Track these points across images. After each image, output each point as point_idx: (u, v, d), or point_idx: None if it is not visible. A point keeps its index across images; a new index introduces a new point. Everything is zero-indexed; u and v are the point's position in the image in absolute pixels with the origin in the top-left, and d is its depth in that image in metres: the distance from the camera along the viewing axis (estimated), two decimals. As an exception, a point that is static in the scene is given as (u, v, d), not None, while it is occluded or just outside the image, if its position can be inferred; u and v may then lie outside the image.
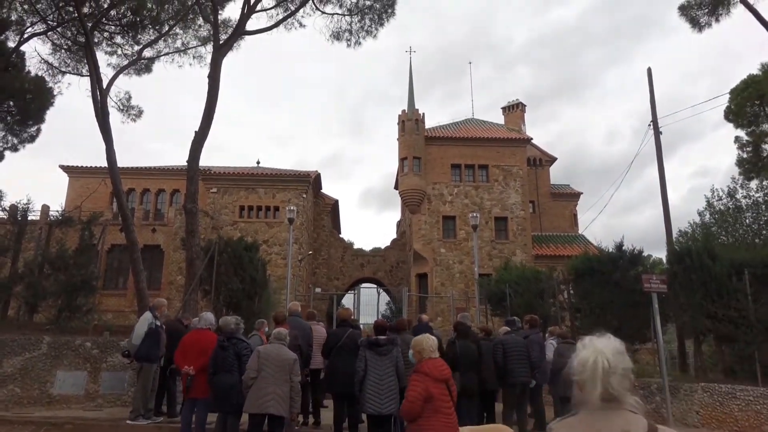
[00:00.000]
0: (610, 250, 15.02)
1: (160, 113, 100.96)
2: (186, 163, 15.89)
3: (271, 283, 24.83)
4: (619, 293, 13.86)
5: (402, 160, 33.49)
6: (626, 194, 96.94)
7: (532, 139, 35.40)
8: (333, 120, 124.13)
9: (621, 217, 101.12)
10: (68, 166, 32.88)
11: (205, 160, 38.42)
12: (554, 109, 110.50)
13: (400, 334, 8.57)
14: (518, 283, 18.74)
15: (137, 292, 16.57)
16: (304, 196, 31.61)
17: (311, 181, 32.58)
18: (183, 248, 16.76)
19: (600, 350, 2.22)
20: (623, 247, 14.72)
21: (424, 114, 34.15)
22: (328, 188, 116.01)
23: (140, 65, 18.60)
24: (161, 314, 9.84)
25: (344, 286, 36.49)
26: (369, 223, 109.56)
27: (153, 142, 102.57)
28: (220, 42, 16.41)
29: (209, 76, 15.82)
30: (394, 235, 50.27)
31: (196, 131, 15.70)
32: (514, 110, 38.29)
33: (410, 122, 33.47)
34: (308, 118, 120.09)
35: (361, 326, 19.22)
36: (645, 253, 14.73)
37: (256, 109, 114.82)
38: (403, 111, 34.18)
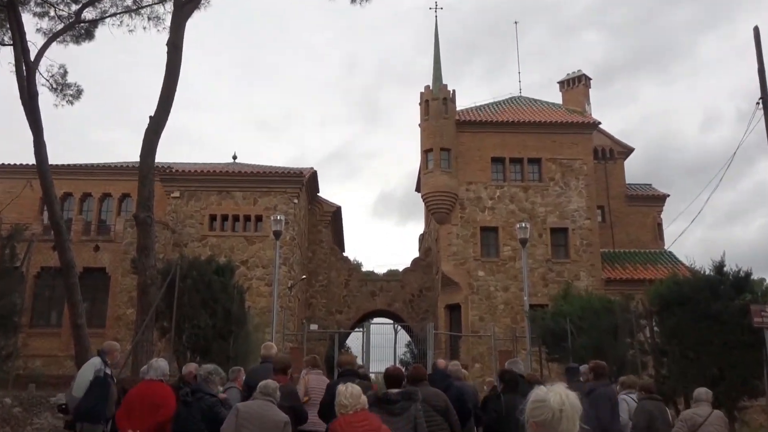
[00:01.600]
0: (708, 272, 14.87)
1: (106, 94, 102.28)
2: (138, 159, 16.05)
3: (252, 318, 24.92)
4: (719, 330, 13.70)
5: (425, 152, 33.54)
6: (729, 197, 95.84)
7: (600, 123, 35.28)
8: (338, 103, 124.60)
9: (722, 228, 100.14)
10: (-16, 163, 33.30)
11: (165, 155, 38.74)
12: (630, 87, 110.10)
13: (419, 386, 8.47)
14: (583, 316, 18.71)
15: (74, 331, 16.58)
16: (296, 201, 31.72)
17: (305, 182, 32.70)
18: (134, 271, 16.90)
19: (564, 391, 2.88)
20: (725, 269, 14.55)
21: (454, 91, 34.19)
22: (328, 192, 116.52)
23: (79, 30, 18.85)
24: (113, 361, 9.86)
25: (349, 322, 36.44)
26: (383, 239, 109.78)
27: (98, 131, 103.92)
28: (183, -2, 16.57)
29: (169, 43, 15.98)
30: (415, 253, 50.26)
31: (151, 116, 15.87)
32: (576, 85, 38.21)
33: (436, 102, 33.53)
34: (305, 101, 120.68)
35: (372, 376, 19.15)
36: (754, 276, 14.55)
37: (234, 88, 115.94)
38: (427, 87, 34.28)
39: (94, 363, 9.46)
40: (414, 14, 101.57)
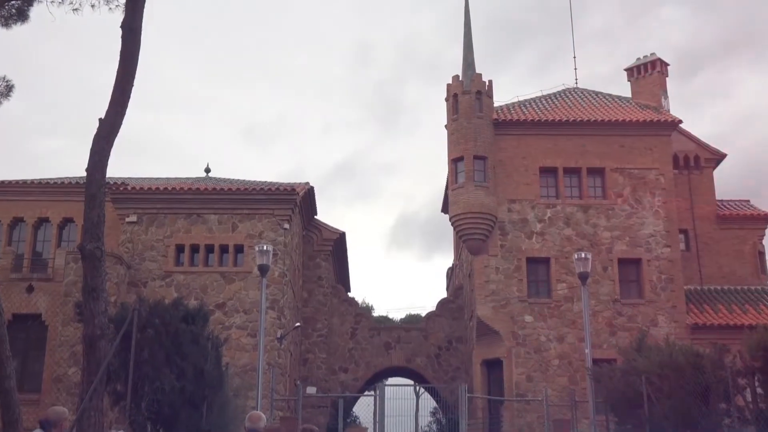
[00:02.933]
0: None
1: (46, 92, 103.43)
2: (84, 173, 16.13)
3: (231, 378, 24.88)
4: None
5: (454, 161, 33.60)
6: None
7: (681, 122, 35.24)
8: (346, 104, 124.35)
9: None
10: None
11: (119, 169, 39.05)
12: (722, 78, 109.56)
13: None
14: (663, 374, 18.61)
15: (1, 397, 16.64)
16: (287, 226, 31.75)
17: (298, 201, 32.75)
18: (79, 319, 16.92)
19: None
20: None
21: (490, 82, 34.29)
22: (332, 216, 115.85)
23: (9, 9, 19.05)
24: (61, 432, 9.91)
25: (357, 383, 36.31)
26: (402, 276, 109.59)
27: (36, 139, 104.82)
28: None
29: (124, 26, 16.12)
30: (442, 293, 50.19)
31: (101, 119, 15.95)
32: (649, 72, 38.20)
33: (468, 96, 33.64)
34: (304, 101, 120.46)
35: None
36: None
37: (212, 85, 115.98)
38: (455, 77, 34.40)
39: (38, 440, 9.47)
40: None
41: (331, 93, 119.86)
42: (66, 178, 34.16)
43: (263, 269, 21.59)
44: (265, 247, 22.04)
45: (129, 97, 16.15)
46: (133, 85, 16.18)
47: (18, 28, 19.51)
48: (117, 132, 16.16)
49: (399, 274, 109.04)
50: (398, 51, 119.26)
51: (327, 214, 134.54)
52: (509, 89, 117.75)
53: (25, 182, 33.68)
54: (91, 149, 16.03)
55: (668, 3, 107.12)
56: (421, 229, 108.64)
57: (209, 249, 31.46)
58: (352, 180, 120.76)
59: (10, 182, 33.41)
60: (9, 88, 19.79)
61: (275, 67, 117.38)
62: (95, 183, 15.95)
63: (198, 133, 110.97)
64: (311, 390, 28.71)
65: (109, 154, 16.10)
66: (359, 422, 31.86)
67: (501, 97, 35.00)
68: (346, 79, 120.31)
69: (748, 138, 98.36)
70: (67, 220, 32.96)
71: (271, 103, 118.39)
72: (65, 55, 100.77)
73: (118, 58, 16.07)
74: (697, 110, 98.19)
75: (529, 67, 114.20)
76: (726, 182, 71.73)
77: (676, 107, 53.62)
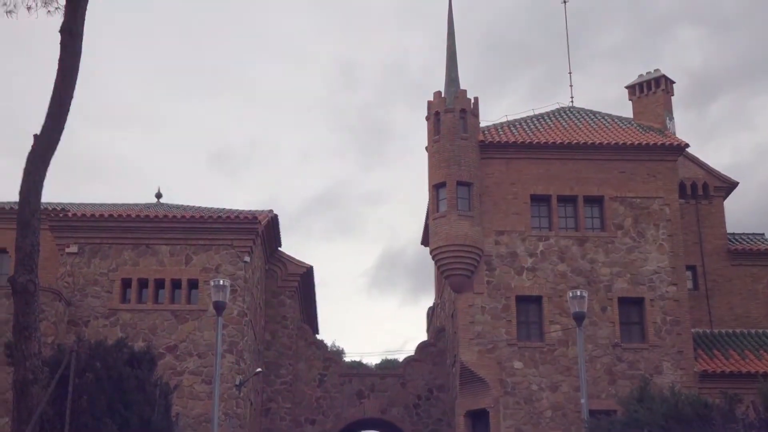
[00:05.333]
0: None
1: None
2: (18, 197, 16.00)
3: (183, 430, 24.65)
4: None
5: (435, 187, 33.57)
6: None
7: (688, 146, 35.45)
8: (327, 128, 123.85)
9: None
10: None
11: (59, 194, 38.74)
12: (742, 105, 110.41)
13: None
14: (668, 427, 18.67)
15: None
16: (247, 259, 31.62)
17: (260, 231, 32.66)
18: (9, 362, 16.73)
19: None
20: None
21: (476, 99, 34.43)
22: (311, 253, 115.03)
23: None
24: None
25: (326, 438, 36.00)
26: (379, 318, 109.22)
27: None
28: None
29: (63, 30, 16.06)
30: (422, 336, 49.98)
31: (36, 135, 15.85)
32: (652, 91, 38.48)
33: (450, 115, 33.71)
34: (279, 124, 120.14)
35: None
36: None
37: (175, 103, 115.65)
38: (437, 94, 34.49)
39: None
40: (436, 5, 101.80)
41: (310, 117, 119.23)
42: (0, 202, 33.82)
43: (219, 306, 21.49)
44: (221, 282, 21.98)
45: (68, 110, 16.06)
46: (72, 97, 16.09)
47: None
48: (54, 149, 16.05)
49: (376, 315, 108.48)
50: (384, 71, 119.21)
51: (302, 249, 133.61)
52: (496, 106, 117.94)
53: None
54: (25, 169, 15.91)
55: (684, 23, 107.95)
56: (406, 267, 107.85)
57: (159, 284, 31.30)
58: (332, 213, 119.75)
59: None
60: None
61: (247, 86, 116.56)
62: (29, 207, 15.81)
63: (156, 157, 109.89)
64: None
65: (45, 175, 15.97)
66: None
67: (489, 115, 35.06)
68: (327, 100, 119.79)
69: (764, 162, 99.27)
70: (0, 251, 32.64)
71: (242, 127, 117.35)
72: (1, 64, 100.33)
73: (56, 66, 15.99)
74: (713, 139, 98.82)
75: (532, 89, 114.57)
76: (739, 214, 72.09)
77: (689, 135, 53.96)
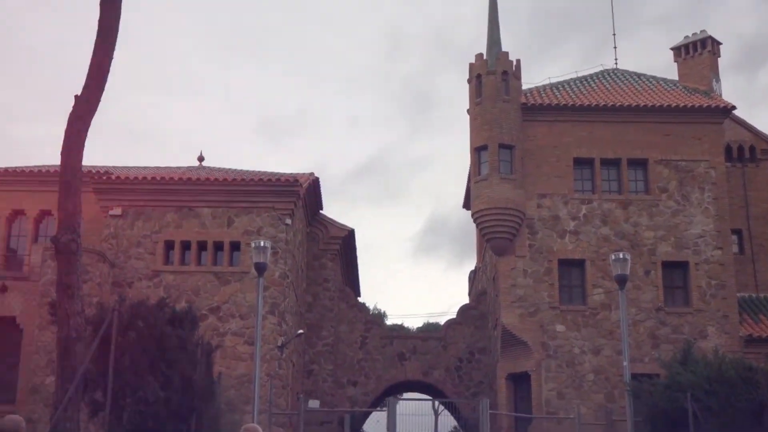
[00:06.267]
0: None
1: (35, 74, 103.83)
2: (59, 158, 16.09)
3: (225, 390, 24.81)
4: None
5: (477, 150, 33.42)
6: None
7: (734, 108, 34.93)
8: (373, 97, 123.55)
9: None
10: None
11: (104, 157, 39.02)
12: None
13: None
14: (711, 391, 18.59)
15: (-33, 407, 16.72)
16: (289, 222, 31.62)
17: (302, 193, 32.64)
18: (54, 321, 16.89)
19: None
20: None
21: (518, 62, 34.09)
22: (356, 219, 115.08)
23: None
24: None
25: (367, 398, 36.24)
26: (422, 281, 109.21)
27: (23, 126, 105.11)
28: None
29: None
30: (463, 299, 49.95)
31: (77, 96, 15.92)
32: (698, 53, 37.89)
33: (492, 77, 33.43)
34: (327, 94, 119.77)
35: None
36: None
37: (225, 71, 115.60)
38: (479, 56, 34.19)
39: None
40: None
41: (358, 84, 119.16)
42: (44, 166, 34.09)
43: (260, 268, 21.51)
44: (262, 243, 21.96)
45: (108, 71, 16.14)
46: (112, 58, 16.18)
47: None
48: (94, 110, 16.14)
49: (420, 280, 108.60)
50: (432, 40, 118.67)
51: (348, 215, 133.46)
52: (540, 69, 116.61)
53: (-6, 170, 33.61)
54: (66, 131, 16.02)
55: None
56: (451, 233, 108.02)
57: (202, 246, 31.36)
58: (379, 179, 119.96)
59: (-24, 170, 33.39)
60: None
61: (296, 54, 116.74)
62: (70, 169, 15.94)
63: (203, 123, 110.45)
64: (314, 404, 28.67)
65: (85, 136, 16.09)
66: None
67: (532, 78, 34.70)
68: (375, 68, 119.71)
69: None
70: (45, 213, 32.83)
71: (290, 94, 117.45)
72: (54, 34, 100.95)
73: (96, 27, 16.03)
74: (762, 104, 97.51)
75: (578, 56, 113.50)
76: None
77: (738, 100, 53.07)
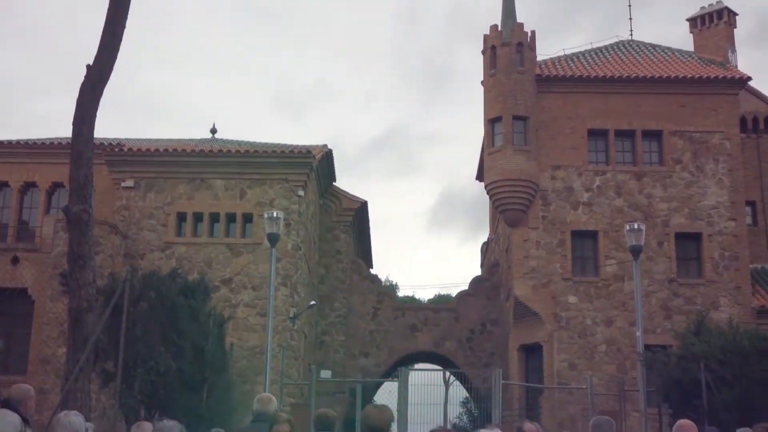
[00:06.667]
0: None
1: (52, 47, 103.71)
2: (71, 128, 16.02)
3: (237, 360, 24.84)
4: None
5: (491, 122, 33.29)
6: None
7: (750, 78, 34.67)
8: (390, 71, 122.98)
9: None
10: None
11: (116, 129, 39.02)
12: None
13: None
14: (725, 361, 18.58)
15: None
16: (301, 193, 31.59)
17: (314, 165, 32.58)
18: (65, 291, 16.88)
19: None
20: None
21: (533, 33, 33.84)
22: (371, 192, 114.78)
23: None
24: (28, 413, 9.87)
25: (379, 369, 36.37)
26: (435, 253, 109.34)
27: (39, 101, 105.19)
28: None
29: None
30: (476, 271, 49.94)
31: (88, 65, 15.80)
32: (714, 23, 37.59)
33: (507, 49, 33.23)
34: (343, 67, 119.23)
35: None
36: None
37: (240, 45, 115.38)
38: (494, 27, 33.97)
39: (14, 423, 9.39)
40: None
41: (373, 58, 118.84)
42: (55, 138, 34.16)
43: (273, 238, 21.43)
44: (275, 214, 21.87)
45: (120, 41, 16.02)
46: (124, 27, 16.03)
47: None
48: (106, 80, 16.02)
49: (432, 252, 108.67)
50: (448, 15, 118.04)
51: (362, 188, 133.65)
52: (555, 40, 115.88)
53: (9, 143, 33.72)
54: (78, 100, 15.92)
55: None
56: (465, 206, 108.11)
57: (214, 218, 31.39)
58: (394, 153, 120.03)
59: (-11, 142, 33.49)
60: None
61: (312, 28, 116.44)
62: (82, 138, 15.83)
63: (220, 97, 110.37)
64: (326, 374, 28.69)
65: (97, 105, 15.97)
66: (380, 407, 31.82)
67: (546, 50, 34.67)
68: (391, 43, 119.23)
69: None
70: (57, 185, 32.93)
71: (305, 68, 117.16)
72: (68, 6, 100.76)
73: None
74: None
75: (594, 30, 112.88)
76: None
77: (755, 73, 52.52)
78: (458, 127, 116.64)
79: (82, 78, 16.05)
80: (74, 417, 8.21)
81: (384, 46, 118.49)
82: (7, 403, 9.62)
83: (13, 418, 9.40)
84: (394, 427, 17.92)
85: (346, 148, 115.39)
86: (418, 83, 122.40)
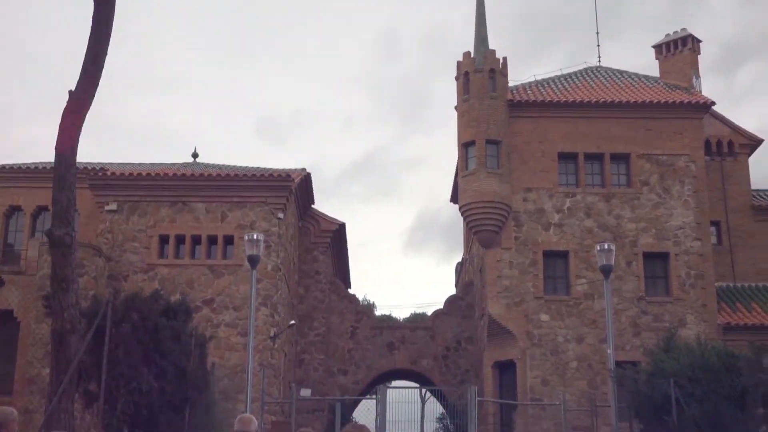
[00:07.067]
0: None
1: (39, 76, 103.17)
2: (54, 153, 15.80)
3: (219, 380, 24.55)
4: None
5: (464, 146, 33.24)
6: None
7: (713, 103, 34.81)
8: (369, 97, 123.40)
9: None
10: None
11: (98, 153, 38.73)
12: (764, 68, 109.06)
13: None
14: (694, 377, 18.53)
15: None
16: (281, 216, 31.45)
17: (293, 188, 32.44)
18: (48, 313, 16.66)
19: None
20: None
21: (505, 59, 33.86)
22: (350, 215, 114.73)
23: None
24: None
25: (358, 387, 36.18)
26: (410, 273, 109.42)
27: (24, 127, 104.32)
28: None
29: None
30: (450, 290, 49.82)
31: (70, 91, 15.61)
32: (679, 50, 37.79)
33: (480, 75, 33.25)
34: (323, 93, 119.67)
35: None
36: None
37: (222, 72, 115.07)
38: (466, 54, 34.00)
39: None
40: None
41: (351, 85, 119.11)
42: (40, 163, 33.84)
43: (253, 260, 21.28)
44: (255, 236, 21.71)
45: (102, 67, 15.84)
46: (106, 53, 15.86)
47: None
48: (88, 106, 15.83)
49: (410, 273, 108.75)
50: (424, 43, 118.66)
51: (341, 211, 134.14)
52: (526, 66, 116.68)
53: (-9, 167, 33.44)
54: (60, 125, 15.71)
55: None
56: (440, 228, 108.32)
57: (196, 240, 31.29)
58: (371, 177, 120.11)
59: (-25, 167, 33.21)
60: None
61: (291, 55, 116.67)
62: (64, 162, 15.64)
63: (202, 123, 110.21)
64: (305, 392, 28.56)
65: (79, 130, 15.79)
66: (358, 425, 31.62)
67: (518, 76, 34.71)
68: (368, 70, 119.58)
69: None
70: (42, 209, 32.64)
71: (285, 95, 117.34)
72: (53, 36, 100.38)
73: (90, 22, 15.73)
74: (741, 104, 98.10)
75: (565, 58, 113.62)
76: (764, 169, 71.61)
77: (718, 100, 53.49)
78: (435, 151, 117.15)
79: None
80: None
81: (361, 73, 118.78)
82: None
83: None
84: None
85: (326, 171, 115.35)
86: (396, 108, 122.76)
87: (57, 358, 15.32)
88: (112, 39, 16.11)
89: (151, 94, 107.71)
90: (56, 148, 15.74)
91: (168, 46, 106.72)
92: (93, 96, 15.93)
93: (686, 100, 34.08)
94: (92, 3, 15.91)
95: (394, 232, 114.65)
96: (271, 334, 29.79)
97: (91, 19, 15.81)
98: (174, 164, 35.13)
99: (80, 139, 16.12)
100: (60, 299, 15.33)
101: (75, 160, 16.03)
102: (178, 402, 17.29)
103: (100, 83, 16.09)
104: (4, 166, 33.76)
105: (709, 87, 35.07)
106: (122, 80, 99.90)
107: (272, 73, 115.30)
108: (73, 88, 15.85)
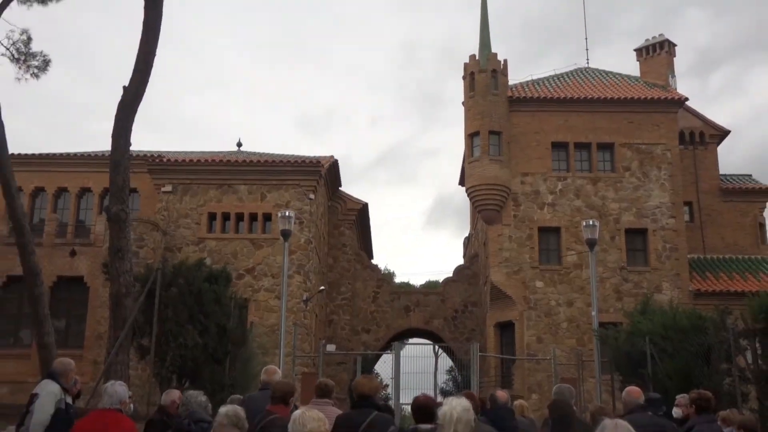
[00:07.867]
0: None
1: (89, 66, 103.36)
2: (111, 141, 15.66)
3: (259, 337, 24.42)
4: None
5: (470, 136, 32.96)
6: None
7: (687, 99, 34.33)
8: (392, 96, 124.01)
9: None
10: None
11: (154, 142, 38.65)
12: (734, 72, 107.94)
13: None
14: (666, 336, 18.27)
15: (40, 351, 16.46)
16: (312, 196, 31.28)
17: (323, 173, 32.24)
18: (107, 278, 16.56)
19: (453, 405, 5.40)
20: None
21: (506, 61, 33.46)
22: (377, 199, 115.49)
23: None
24: (68, 383, 9.51)
25: (378, 343, 36.16)
26: (424, 247, 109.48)
27: (98, 120, 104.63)
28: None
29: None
30: (459, 261, 49.63)
31: (124, 87, 15.44)
32: (657, 53, 37.24)
33: (483, 75, 32.90)
34: (353, 94, 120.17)
35: (402, 409, 18.33)
36: None
37: (268, 72, 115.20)
38: (472, 56, 33.64)
39: (53, 392, 9.09)
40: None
41: (377, 87, 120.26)
42: (106, 151, 33.64)
43: (286, 234, 21.04)
44: (287, 213, 21.44)
45: (152, 65, 15.71)
46: (155, 53, 15.71)
47: (54, 5, 19.00)
48: (140, 99, 15.70)
49: (425, 246, 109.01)
50: (440, 51, 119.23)
51: (369, 196, 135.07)
52: (524, 66, 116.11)
53: (69, 155, 33.52)
54: (116, 117, 15.61)
55: (694, 4, 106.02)
56: (454, 208, 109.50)
57: (239, 217, 31.22)
58: (395, 166, 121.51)
59: (55, 155, 33.27)
60: (46, 63, 19.49)
61: (327, 63, 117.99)
62: (119, 150, 15.56)
63: (248, 117, 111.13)
64: (331, 348, 28.41)
65: (132, 122, 15.67)
66: (380, 378, 31.51)
67: (517, 76, 34.49)
68: (393, 75, 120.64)
69: (752, 111, 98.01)
70: (107, 190, 32.39)
71: (321, 96, 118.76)
72: (103, 26, 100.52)
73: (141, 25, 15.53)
74: (714, 104, 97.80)
75: (561, 63, 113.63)
76: (730, 157, 71.49)
77: (693, 100, 53.33)
78: (448, 142, 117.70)
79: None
80: (119, 386, 7.99)
81: (386, 77, 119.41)
82: (51, 375, 9.41)
83: (53, 387, 9.15)
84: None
85: (356, 160, 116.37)
86: (416, 107, 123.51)
87: (114, 317, 15.28)
88: (172, 43, 15.98)
89: (203, 91, 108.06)
90: (112, 137, 15.64)
91: (220, 49, 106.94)
92: (143, 91, 15.79)
93: (663, 97, 33.71)
94: (142, 11, 15.76)
95: (415, 211, 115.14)
96: (304, 297, 29.71)
97: (141, 24, 15.66)
98: (221, 152, 35.05)
99: (140, 129, 16.03)
100: (117, 266, 15.25)
101: (129, 147, 15.89)
102: (219, 355, 17.15)
103: (150, 80, 15.95)
104: (76, 154, 33.78)
105: (686, 88, 34.84)
106: (179, 78, 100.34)
107: (310, 76, 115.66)
108: (126, 85, 15.70)
